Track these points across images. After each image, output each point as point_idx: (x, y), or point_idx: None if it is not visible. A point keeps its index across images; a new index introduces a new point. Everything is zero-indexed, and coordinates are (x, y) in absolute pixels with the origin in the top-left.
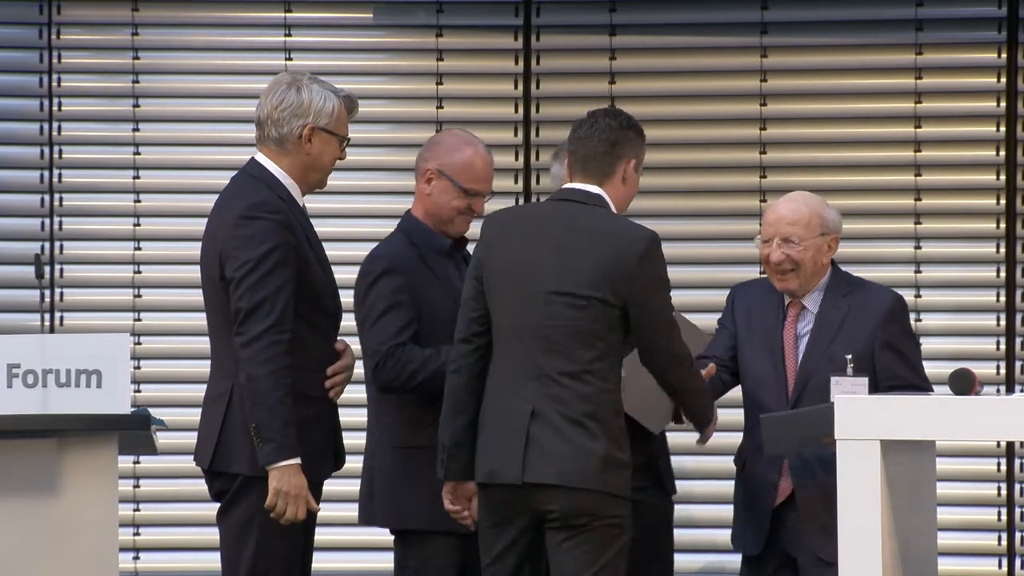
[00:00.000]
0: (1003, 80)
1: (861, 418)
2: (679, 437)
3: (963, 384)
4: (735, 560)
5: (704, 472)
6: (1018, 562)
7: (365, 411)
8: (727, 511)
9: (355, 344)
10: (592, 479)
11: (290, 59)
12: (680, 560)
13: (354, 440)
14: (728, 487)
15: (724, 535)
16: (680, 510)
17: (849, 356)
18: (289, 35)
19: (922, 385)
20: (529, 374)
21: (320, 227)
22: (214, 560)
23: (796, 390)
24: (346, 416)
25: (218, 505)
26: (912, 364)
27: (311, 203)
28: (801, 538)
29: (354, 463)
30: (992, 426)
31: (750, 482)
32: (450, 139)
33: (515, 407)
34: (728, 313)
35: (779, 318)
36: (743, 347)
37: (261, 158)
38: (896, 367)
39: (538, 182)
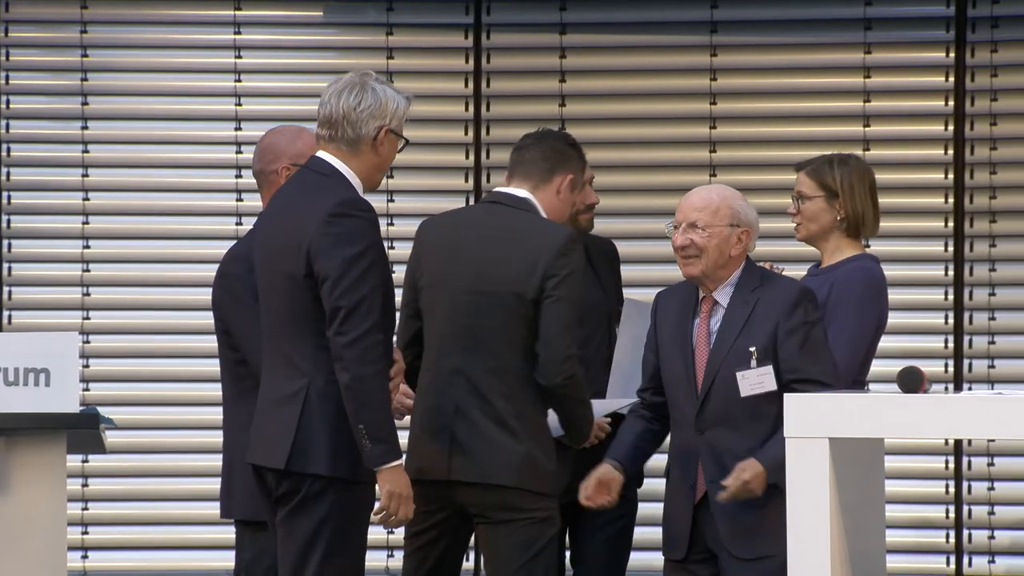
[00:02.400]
0: (951, 79)
1: (810, 416)
2: None
3: (911, 382)
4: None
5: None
6: (966, 560)
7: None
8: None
9: None
10: (511, 477)
11: (240, 57)
12: (639, 558)
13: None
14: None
15: None
16: (643, 508)
17: (752, 349)
18: (239, 33)
19: (824, 380)
20: (454, 373)
21: None
22: (162, 559)
23: (704, 387)
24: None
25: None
26: (816, 356)
27: (253, 201)
28: (717, 536)
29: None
30: (940, 424)
31: (672, 483)
32: (286, 134)
33: (441, 405)
34: (652, 327)
35: (692, 316)
36: (662, 351)
37: (328, 157)
38: (798, 360)
39: (488, 180)
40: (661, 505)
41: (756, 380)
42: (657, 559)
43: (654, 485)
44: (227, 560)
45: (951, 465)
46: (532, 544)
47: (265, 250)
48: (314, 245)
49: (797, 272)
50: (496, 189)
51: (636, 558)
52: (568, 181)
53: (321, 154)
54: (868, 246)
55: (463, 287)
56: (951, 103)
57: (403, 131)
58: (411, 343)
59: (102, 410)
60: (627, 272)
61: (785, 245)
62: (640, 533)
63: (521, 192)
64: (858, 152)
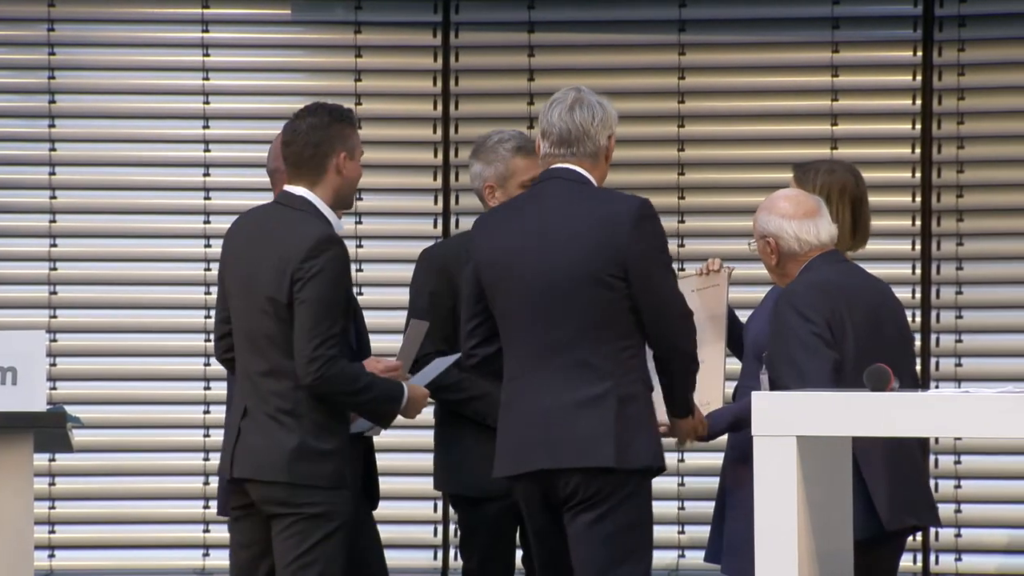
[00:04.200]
0: (919, 78)
1: (778, 414)
2: None
3: (878, 380)
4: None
5: None
6: (933, 557)
7: None
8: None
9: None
10: (280, 471)
11: (207, 55)
12: None
13: None
14: (669, 483)
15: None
16: None
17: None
18: (207, 31)
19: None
20: (244, 374)
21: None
22: (129, 558)
23: None
24: None
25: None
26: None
27: (221, 200)
28: None
29: None
30: (908, 422)
31: None
32: None
33: (236, 405)
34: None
35: None
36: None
37: (579, 169)
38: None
39: (457, 179)
40: None
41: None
42: None
43: None
44: (194, 559)
45: None
46: (304, 541)
47: (533, 256)
48: (632, 250)
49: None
50: (284, 188)
51: None
52: (343, 157)
53: (571, 167)
54: None
55: (238, 291)
56: (918, 102)
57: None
58: (221, 339)
59: (69, 409)
60: None
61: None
62: None
63: (298, 190)
64: (826, 151)
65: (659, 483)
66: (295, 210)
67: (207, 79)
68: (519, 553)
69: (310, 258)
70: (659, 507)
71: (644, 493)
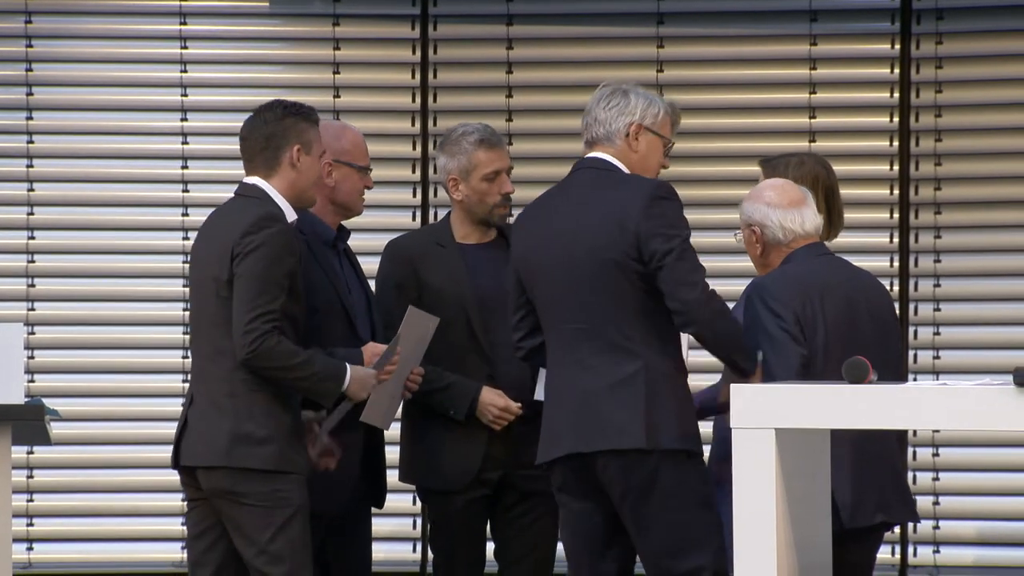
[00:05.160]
0: (896, 71)
1: (756, 407)
2: None
3: (857, 373)
4: None
5: None
6: (911, 549)
7: None
8: None
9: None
10: (219, 456)
11: (185, 47)
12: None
13: None
14: None
15: None
16: None
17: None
18: (184, 23)
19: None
20: (193, 361)
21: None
22: (108, 550)
23: None
24: None
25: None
26: None
27: (199, 192)
28: None
29: None
30: (886, 415)
31: None
32: (331, 129)
33: (188, 392)
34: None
35: None
36: None
37: (606, 157)
38: None
39: (435, 172)
40: None
41: None
42: None
43: None
44: (173, 552)
45: None
46: (260, 533)
47: (559, 246)
48: (645, 229)
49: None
50: (245, 180)
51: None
52: (296, 151)
53: (601, 155)
54: None
55: (192, 280)
56: (896, 95)
57: None
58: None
59: (47, 401)
60: None
61: (731, 237)
62: None
63: (251, 179)
64: (804, 144)
65: None
66: (248, 198)
67: (185, 71)
68: (492, 547)
69: (249, 233)
70: None
71: (692, 475)
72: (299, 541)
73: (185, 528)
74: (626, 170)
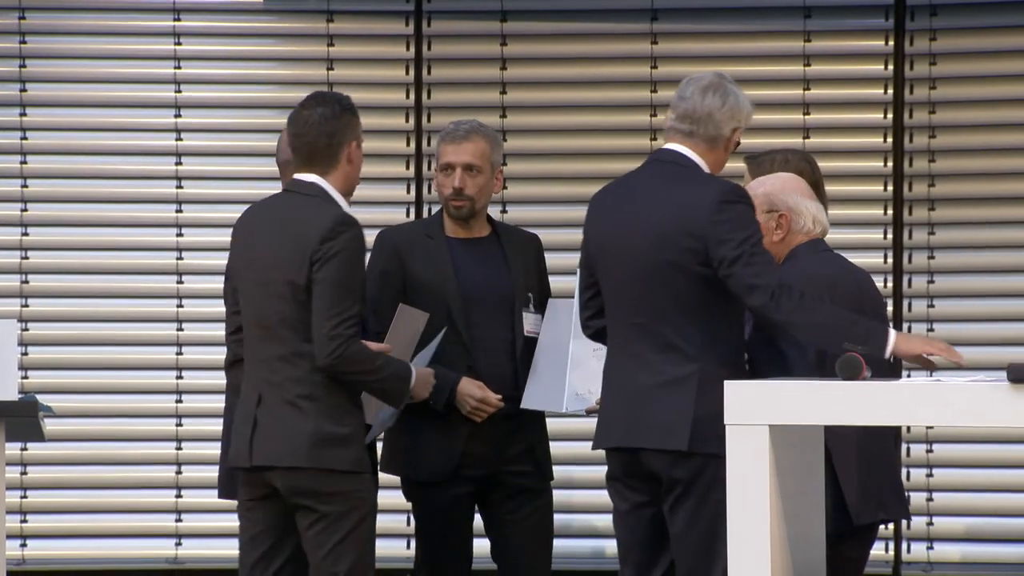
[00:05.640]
0: (891, 67)
1: (750, 403)
2: (557, 424)
3: (851, 369)
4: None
5: (583, 458)
6: (904, 545)
7: None
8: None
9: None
10: (301, 457)
11: (179, 43)
12: (560, 545)
13: None
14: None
15: (603, 520)
16: (559, 495)
17: None
18: (178, 19)
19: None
20: (257, 361)
21: (204, 213)
22: (102, 547)
23: None
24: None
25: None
26: None
27: (192, 189)
28: None
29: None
30: (880, 411)
31: None
32: None
33: (249, 393)
34: None
35: None
36: None
37: (687, 152)
38: None
39: (429, 168)
40: (576, 492)
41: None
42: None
43: (568, 473)
44: (167, 548)
45: None
46: (335, 532)
47: (622, 239)
48: (710, 232)
49: None
50: (295, 176)
51: (563, 545)
52: (354, 147)
53: (677, 147)
54: None
55: (252, 278)
56: (890, 91)
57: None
58: (233, 333)
59: (41, 398)
60: (563, 260)
61: None
62: (568, 520)
63: (309, 177)
64: (798, 140)
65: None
66: (308, 196)
67: (179, 68)
68: (489, 547)
69: (328, 239)
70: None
71: None
72: (368, 541)
73: (173, 524)
74: (705, 167)
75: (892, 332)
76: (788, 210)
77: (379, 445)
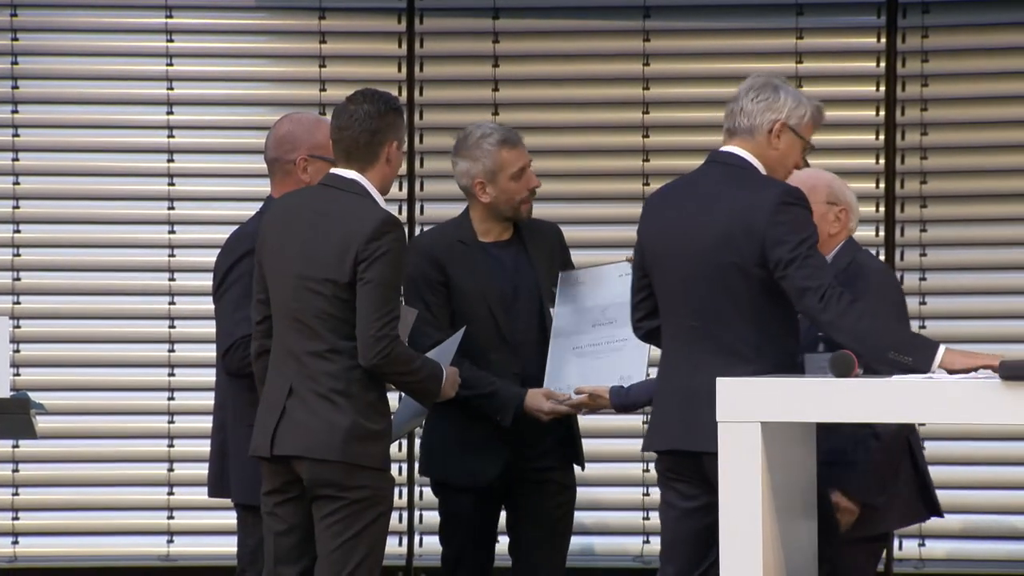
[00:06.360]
0: (883, 64)
1: (742, 400)
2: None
3: (843, 367)
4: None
5: (610, 455)
6: (896, 542)
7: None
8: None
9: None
10: (334, 451)
11: (171, 41)
12: (579, 542)
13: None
14: (633, 469)
15: (615, 517)
16: (583, 492)
17: None
18: (171, 17)
19: None
20: (288, 354)
21: (195, 210)
22: (94, 544)
23: None
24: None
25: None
26: None
27: (185, 186)
28: None
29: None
30: (871, 408)
31: None
32: (304, 123)
33: (278, 384)
34: None
35: None
36: None
37: (741, 153)
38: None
39: (422, 165)
40: (600, 490)
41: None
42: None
43: (594, 471)
44: (159, 546)
45: None
46: (352, 525)
47: (680, 242)
48: (771, 232)
49: None
50: (331, 171)
51: (576, 542)
52: (395, 146)
53: (735, 149)
54: None
55: (289, 271)
56: (882, 88)
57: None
58: (260, 323)
59: (33, 395)
60: None
61: None
62: (580, 517)
63: (349, 174)
64: None
65: (623, 470)
66: (349, 192)
67: (171, 65)
68: (507, 540)
69: (375, 239)
70: (624, 493)
71: None
72: (380, 540)
73: (165, 522)
74: (761, 168)
75: (941, 347)
76: (847, 205)
77: (402, 444)
